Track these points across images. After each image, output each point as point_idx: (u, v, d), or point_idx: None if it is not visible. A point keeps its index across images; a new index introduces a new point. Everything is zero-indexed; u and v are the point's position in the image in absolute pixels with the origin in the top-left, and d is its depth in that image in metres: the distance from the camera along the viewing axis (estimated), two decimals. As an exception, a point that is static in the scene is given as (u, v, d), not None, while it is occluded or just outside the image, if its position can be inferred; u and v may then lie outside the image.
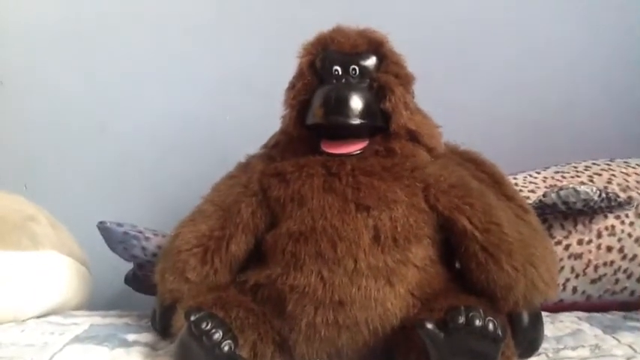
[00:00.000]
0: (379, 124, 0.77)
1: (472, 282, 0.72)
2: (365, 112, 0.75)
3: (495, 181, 0.80)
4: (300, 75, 0.82)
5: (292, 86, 0.82)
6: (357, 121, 0.75)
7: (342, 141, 0.77)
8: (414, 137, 0.79)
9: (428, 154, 0.79)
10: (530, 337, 0.74)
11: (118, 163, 1.32)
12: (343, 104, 0.75)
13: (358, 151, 0.77)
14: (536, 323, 0.75)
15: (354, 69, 0.79)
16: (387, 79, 0.79)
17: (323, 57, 0.81)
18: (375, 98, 0.77)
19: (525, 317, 0.73)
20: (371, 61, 0.80)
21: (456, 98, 1.19)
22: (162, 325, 0.81)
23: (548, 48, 1.26)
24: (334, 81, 0.78)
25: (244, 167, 0.85)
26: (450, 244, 0.75)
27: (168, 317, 0.75)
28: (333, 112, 0.75)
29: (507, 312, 0.71)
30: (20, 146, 1.33)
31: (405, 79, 0.81)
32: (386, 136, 0.78)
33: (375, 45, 0.81)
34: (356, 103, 0.75)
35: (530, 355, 0.74)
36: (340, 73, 0.79)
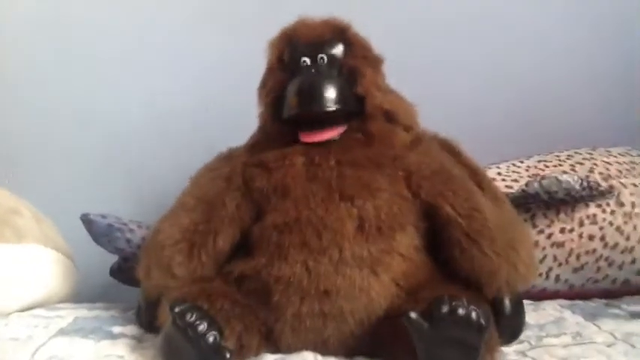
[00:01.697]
0: (354, 108, 0.78)
1: (456, 270, 0.73)
2: (339, 98, 0.76)
3: (472, 172, 0.81)
4: (270, 71, 0.82)
5: (264, 84, 0.83)
6: (332, 108, 0.75)
7: (320, 130, 0.77)
8: (390, 117, 0.79)
9: (406, 133, 0.80)
10: (512, 325, 0.75)
11: (102, 156, 1.31)
12: (316, 93, 0.75)
13: (336, 137, 0.77)
14: (519, 310, 0.76)
15: (321, 57, 0.79)
16: (356, 62, 0.79)
17: (290, 50, 0.81)
18: (347, 83, 0.78)
19: (508, 304, 0.74)
20: (338, 49, 0.80)
21: (440, 88, 1.19)
22: (148, 321, 0.80)
23: (532, 39, 1.27)
24: (304, 72, 0.79)
25: (226, 159, 0.85)
26: (434, 233, 0.75)
27: (154, 312, 0.75)
28: (307, 101, 0.76)
29: (491, 298, 0.72)
30: (2, 139, 1.32)
31: (374, 62, 0.82)
32: (362, 120, 0.78)
33: (340, 32, 0.82)
34: (328, 90, 0.75)
35: (512, 342, 0.75)
36: (309, 63, 0.79)
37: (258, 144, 0.83)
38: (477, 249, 0.71)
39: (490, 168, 1.02)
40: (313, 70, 0.79)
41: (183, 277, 0.76)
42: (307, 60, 0.79)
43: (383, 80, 0.82)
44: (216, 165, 0.85)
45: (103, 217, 1.00)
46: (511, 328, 0.75)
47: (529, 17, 1.27)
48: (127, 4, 1.30)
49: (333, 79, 0.77)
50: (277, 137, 0.80)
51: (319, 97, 0.75)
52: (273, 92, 0.81)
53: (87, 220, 0.99)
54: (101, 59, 1.30)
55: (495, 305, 0.72)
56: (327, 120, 0.77)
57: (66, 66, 1.30)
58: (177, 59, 1.29)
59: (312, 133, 0.77)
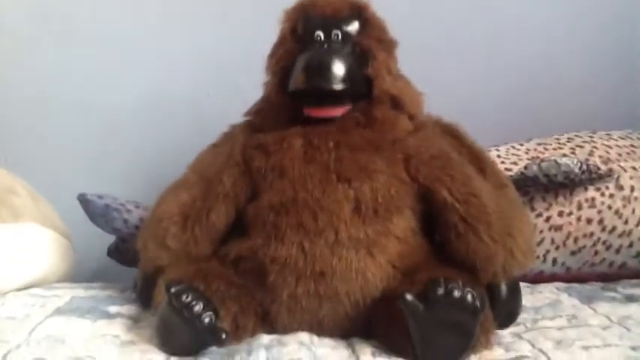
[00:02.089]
0: (361, 89, 0.77)
1: (452, 253, 0.73)
2: (347, 78, 0.74)
3: (474, 156, 0.81)
4: (281, 41, 0.81)
5: (274, 53, 0.81)
6: (339, 86, 0.74)
7: (324, 106, 0.77)
8: (396, 103, 0.78)
9: (409, 122, 0.79)
10: (508, 308, 0.75)
11: (100, 136, 1.30)
12: (325, 69, 0.74)
13: (340, 115, 0.76)
14: (515, 294, 0.76)
15: (336, 34, 0.78)
16: (370, 43, 0.78)
17: (304, 22, 0.79)
18: (358, 64, 0.77)
19: (504, 288, 0.74)
20: (353, 26, 0.79)
21: (441, 71, 1.18)
22: (144, 295, 0.81)
23: (532, 22, 1.25)
24: (316, 46, 0.77)
25: (228, 137, 0.85)
26: (431, 216, 0.75)
27: (150, 286, 0.75)
28: (315, 77, 0.74)
29: (487, 283, 0.72)
30: (0, 119, 1.31)
31: (388, 45, 0.80)
32: (368, 103, 0.77)
33: (358, 9, 0.80)
34: (338, 68, 0.74)
35: (508, 326, 0.75)
36: (322, 38, 0.78)
37: (259, 115, 0.82)
38: (473, 234, 0.71)
39: (490, 150, 1.01)
40: (326, 46, 0.77)
41: (176, 249, 0.76)
42: (321, 34, 0.78)
43: (395, 65, 0.81)
44: (219, 142, 0.85)
45: (100, 197, 0.99)
46: (507, 312, 0.75)
47: (531, 1, 1.25)
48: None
49: (344, 57, 0.75)
50: (280, 109, 0.79)
51: (327, 74, 0.73)
52: (282, 62, 0.79)
53: (84, 200, 0.99)
54: (100, 47, 1.28)
55: (491, 290, 0.72)
56: (332, 97, 0.76)
57: (65, 52, 1.29)
58: (175, 46, 1.28)
59: (316, 108, 0.77)
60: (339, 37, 0.78)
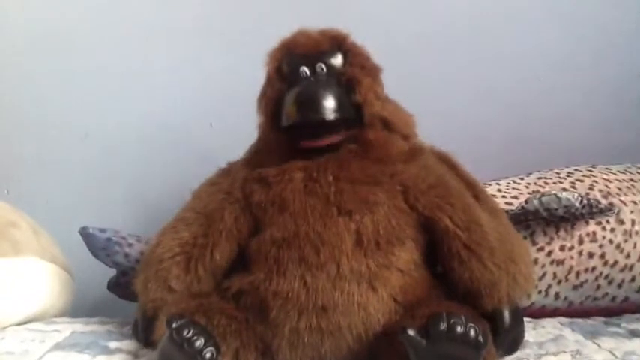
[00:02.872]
0: (352, 117, 0.77)
1: (455, 282, 0.73)
2: (337, 107, 0.75)
3: (468, 184, 0.81)
4: (269, 82, 0.82)
5: (263, 94, 0.83)
6: (331, 116, 0.75)
7: (318, 138, 0.77)
8: (388, 126, 0.79)
9: (403, 142, 0.80)
10: (512, 335, 0.75)
11: (102, 169, 1.31)
12: (315, 101, 0.75)
13: (335, 142, 0.77)
14: (518, 321, 0.76)
15: (320, 67, 0.79)
16: (354, 71, 0.79)
17: (288, 60, 0.81)
18: (345, 92, 0.78)
19: (507, 315, 0.74)
20: (336, 58, 0.80)
21: (440, 103, 1.19)
22: (145, 335, 0.80)
23: (532, 54, 1.27)
24: (303, 81, 0.79)
25: (226, 173, 0.85)
26: (433, 246, 0.75)
27: (151, 327, 0.75)
28: (306, 110, 0.75)
29: (491, 309, 0.72)
30: (2, 151, 1.32)
31: (372, 71, 0.82)
32: (360, 128, 0.78)
33: (338, 41, 0.82)
34: (327, 98, 0.75)
35: (512, 353, 0.75)
36: (308, 73, 0.79)
37: (257, 155, 0.83)
38: (477, 261, 0.71)
39: (490, 185, 1.02)
40: (312, 80, 0.79)
41: (180, 290, 0.76)
42: (306, 70, 0.79)
43: (381, 89, 0.82)
44: (217, 179, 0.85)
45: (102, 230, 0.99)
46: (511, 339, 0.75)
47: (529, 31, 1.27)
48: (128, 18, 1.30)
49: (332, 88, 0.77)
50: (276, 147, 0.80)
51: (318, 105, 0.75)
52: (272, 102, 0.80)
53: (85, 234, 0.99)
54: (102, 74, 1.30)
55: (495, 317, 0.72)
56: (325, 128, 0.77)
57: (66, 79, 1.30)
58: (178, 73, 1.29)
59: (311, 140, 0.78)
60: (324, 69, 0.79)
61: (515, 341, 0.76)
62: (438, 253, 0.75)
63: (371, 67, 0.82)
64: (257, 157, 0.83)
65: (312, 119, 0.75)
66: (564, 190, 0.99)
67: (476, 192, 0.81)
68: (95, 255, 1.00)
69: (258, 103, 0.83)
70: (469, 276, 0.71)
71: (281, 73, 0.81)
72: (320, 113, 0.75)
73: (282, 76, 0.81)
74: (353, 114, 0.78)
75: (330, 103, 0.75)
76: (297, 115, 0.75)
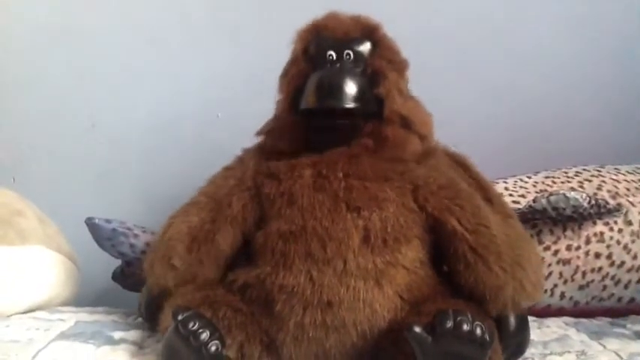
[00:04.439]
0: (372, 109, 0.76)
1: (461, 284, 0.72)
2: (358, 97, 0.74)
3: (481, 187, 0.81)
4: (294, 61, 0.81)
5: (286, 73, 0.82)
6: (350, 105, 0.74)
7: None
8: (406, 124, 0.78)
9: (419, 142, 0.79)
10: (517, 341, 0.75)
11: (108, 159, 1.31)
12: (337, 88, 0.74)
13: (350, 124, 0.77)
14: (523, 326, 0.75)
15: (348, 54, 0.78)
16: (381, 64, 0.78)
17: (317, 42, 0.80)
18: (369, 84, 0.77)
19: (512, 320, 0.73)
20: (365, 47, 0.79)
21: (448, 101, 1.18)
22: (147, 313, 0.81)
23: (541, 53, 1.26)
24: (328, 66, 0.78)
25: (240, 160, 0.85)
26: (439, 247, 0.75)
27: (155, 307, 0.75)
28: (326, 96, 0.74)
29: (496, 314, 0.71)
30: (9, 139, 1.32)
31: (399, 65, 0.80)
32: (378, 122, 0.77)
33: (369, 30, 0.81)
34: (350, 87, 0.74)
35: (516, 358, 0.75)
36: (334, 58, 0.78)
37: (271, 135, 0.82)
38: (483, 264, 0.70)
39: (497, 183, 1.01)
40: (338, 65, 0.78)
41: (181, 269, 0.76)
42: (333, 54, 0.78)
43: (405, 85, 0.81)
44: (232, 165, 0.85)
45: (108, 221, 0.99)
46: (516, 344, 0.74)
47: (538, 30, 1.26)
48: (135, 11, 1.30)
49: (356, 77, 0.75)
50: (291, 128, 0.79)
51: (339, 92, 0.73)
52: (294, 82, 0.79)
53: (92, 224, 0.99)
54: (109, 65, 1.30)
55: (500, 321, 0.72)
56: (343, 116, 0.76)
57: (74, 72, 1.31)
58: (185, 64, 1.29)
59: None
60: (351, 57, 0.78)
61: (520, 346, 0.75)
62: (445, 254, 0.74)
63: (399, 62, 0.81)
64: (270, 140, 0.82)
65: (331, 106, 0.74)
66: (572, 189, 0.98)
67: (489, 195, 0.80)
68: (100, 245, 1.00)
69: (280, 80, 0.82)
70: (474, 279, 0.71)
71: (308, 54, 0.80)
72: (340, 100, 0.73)
73: (309, 58, 0.80)
74: (373, 107, 0.76)
75: (351, 91, 0.74)
76: (317, 100, 0.74)
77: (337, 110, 0.75)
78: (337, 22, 0.81)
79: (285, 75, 0.82)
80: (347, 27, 0.80)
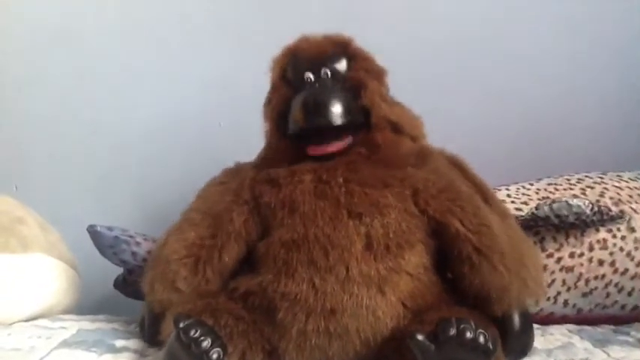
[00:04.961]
0: (360, 121, 0.77)
1: (465, 287, 0.72)
2: (344, 111, 0.75)
3: (478, 188, 0.81)
4: (274, 88, 0.83)
5: (269, 101, 0.83)
6: (338, 121, 0.75)
7: (326, 143, 0.77)
8: (396, 128, 0.79)
9: (412, 143, 0.80)
10: (521, 341, 0.75)
11: (110, 167, 1.31)
12: (322, 107, 0.75)
13: (343, 147, 0.77)
14: (527, 327, 0.76)
15: (325, 72, 0.79)
16: (359, 75, 0.79)
17: (293, 66, 0.81)
18: (352, 96, 0.78)
19: (517, 320, 0.74)
20: (340, 63, 0.80)
21: (450, 108, 1.19)
22: (150, 334, 0.80)
23: (542, 59, 1.26)
24: (308, 87, 0.79)
25: (233, 173, 0.85)
26: (442, 251, 0.75)
27: (157, 326, 0.74)
28: (313, 116, 0.75)
29: (501, 314, 0.72)
30: (11, 147, 1.32)
31: (377, 73, 0.82)
32: (368, 132, 0.78)
33: (342, 46, 0.82)
34: (334, 104, 0.75)
35: (521, 357, 0.75)
36: (312, 79, 0.79)
37: (266, 161, 0.83)
38: (488, 264, 0.70)
39: (499, 190, 1.01)
40: (317, 85, 0.79)
41: (187, 291, 0.76)
42: (310, 75, 0.79)
43: (387, 92, 0.82)
44: (224, 179, 0.85)
45: (110, 229, 0.99)
46: (520, 344, 0.75)
47: (540, 37, 1.26)
48: (137, 16, 1.31)
49: (338, 93, 0.77)
50: (284, 154, 0.80)
51: (325, 111, 0.75)
52: (277, 108, 0.81)
53: (93, 232, 0.98)
54: (111, 70, 1.30)
55: (505, 321, 0.72)
56: (333, 133, 0.77)
57: (75, 76, 1.31)
58: (187, 72, 1.30)
59: (319, 146, 0.77)
60: (329, 74, 0.79)
61: (524, 347, 0.76)
62: (448, 258, 0.74)
63: (376, 70, 0.82)
64: (265, 162, 0.83)
65: (319, 124, 0.75)
66: (575, 196, 0.98)
67: (486, 196, 0.80)
68: (102, 253, 1.00)
69: (264, 109, 0.83)
70: (480, 280, 0.71)
71: (286, 79, 0.81)
72: (327, 118, 0.75)
73: (287, 82, 0.81)
74: (360, 118, 0.78)
75: (337, 108, 0.75)
76: (305, 121, 0.75)
77: (326, 128, 0.76)
78: (309, 43, 0.83)
79: (269, 103, 0.83)
80: (320, 46, 0.82)
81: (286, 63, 0.82)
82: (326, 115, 0.75)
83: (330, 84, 0.79)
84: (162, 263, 0.77)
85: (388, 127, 0.79)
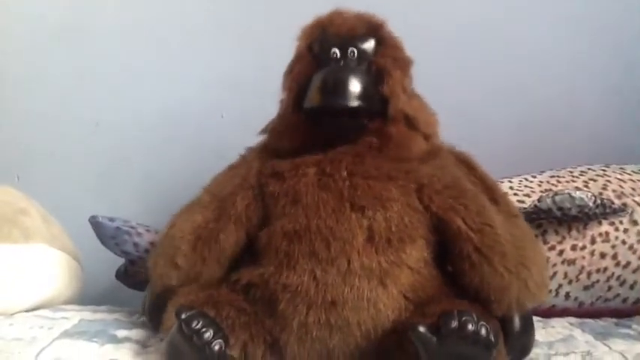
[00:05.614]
0: (377, 107, 0.76)
1: (465, 285, 0.72)
2: (363, 95, 0.74)
3: (487, 186, 0.80)
4: (298, 58, 0.81)
5: (290, 70, 0.81)
6: (355, 104, 0.73)
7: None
8: (410, 124, 0.77)
9: (424, 141, 0.78)
10: (522, 342, 0.74)
11: (112, 159, 1.31)
12: (341, 86, 0.73)
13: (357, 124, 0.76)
14: (528, 327, 0.75)
15: (352, 51, 0.77)
16: (386, 62, 0.77)
17: (321, 40, 0.79)
18: (374, 82, 0.76)
19: (517, 321, 0.73)
20: (369, 44, 0.78)
21: (453, 101, 1.18)
22: (153, 316, 0.80)
23: (546, 52, 1.25)
24: (332, 64, 0.77)
25: (244, 159, 0.85)
26: (444, 247, 0.75)
27: (160, 307, 0.75)
28: (331, 94, 0.74)
29: (500, 315, 0.71)
30: (13, 138, 1.32)
31: (404, 63, 0.80)
32: (383, 121, 0.76)
33: (374, 28, 0.80)
34: (354, 85, 0.73)
35: (521, 358, 0.74)
36: (338, 55, 0.77)
37: (274, 134, 0.82)
38: (488, 264, 0.70)
39: (502, 182, 1.01)
40: (342, 63, 0.77)
41: (185, 268, 0.76)
42: (337, 52, 0.77)
43: (410, 83, 0.80)
44: (236, 164, 0.85)
45: (111, 219, 0.99)
46: (520, 345, 0.74)
47: (543, 29, 1.26)
48: (139, 12, 1.30)
49: (360, 75, 0.75)
50: (295, 128, 0.78)
51: (344, 91, 0.73)
52: (298, 79, 0.79)
53: (95, 222, 0.99)
54: (113, 65, 1.30)
55: (504, 323, 0.71)
56: (348, 115, 0.75)
57: (77, 71, 1.31)
58: (189, 64, 1.29)
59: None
60: (355, 54, 0.77)
61: (524, 347, 0.75)
62: (449, 255, 0.74)
63: (403, 60, 0.80)
64: (273, 138, 0.82)
65: (335, 104, 0.74)
66: (577, 189, 0.98)
67: (495, 195, 0.79)
68: (104, 244, 1.00)
69: (284, 78, 0.81)
70: (479, 280, 0.70)
71: (312, 51, 0.79)
72: (344, 99, 0.73)
73: (313, 55, 0.79)
74: (377, 105, 0.76)
75: (356, 89, 0.73)
76: (321, 99, 0.74)
77: (342, 109, 0.74)
78: (341, 19, 0.80)
79: (289, 72, 0.81)
80: (351, 24, 0.79)
81: (314, 35, 0.80)
82: (344, 96, 0.73)
83: (354, 64, 0.77)
84: (168, 240, 0.78)
85: (403, 120, 0.77)
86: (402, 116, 0.77)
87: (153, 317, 0.81)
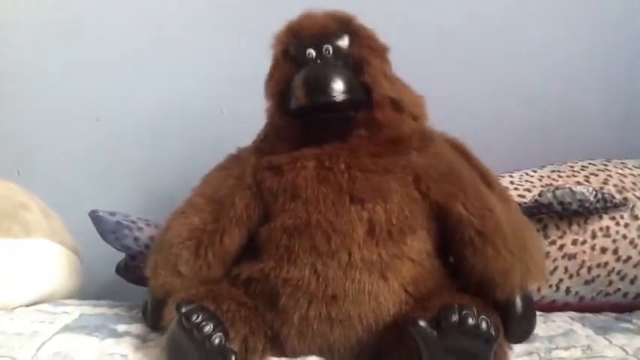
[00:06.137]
0: (361, 97, 0.76)
1: (468, 273, 0.72)
2: (346, 88, 0.75)
3: (480, 172, 0.81)
4: (276, 65, 0.82)
5: (270, 77, 0.82)
6: (339, 97, 0.74)
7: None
8: (397, 106, 0.78)
9: (414, 122, 0.79)
10: (524, 324, 0.75)
11: (112, 152, 1.31)
12: (323, 83, 0.74)
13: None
14: (530, 310, 0.76)
15: (327, 49, 0.78)
16: (362, 52, 0.78)
17: (295, 43, 0.80)
18: (353, 73, 0.77)
19: (520, 304, 0.74)
20: (343, 40, 0.79)
21: (455, 96, 1.18)
22: (153, 319, 0.80)
23: (547, 48, 1.25)
24: (310, 64, 0.78)
25: (236, 159, 0.85)
26: (445, 235, 0.75)
27: (160, 311, 0.75)
28: (314, 92, 0.75)
29: (504, 298, 0.72)
30: (14, 132, 1.32)
31: (380, 51, 0.81)
32: (369, 109, 0.77)
33: (345, 23, 0.81)
34: (335, 80, 0.74)
35: (522, 340, 0.75)
36: (314, 55, 0.78)
37: (267, 140, 0.82)
38: (491, 247, 0.71)
39: (503, 177, 1.01)
40: (319, 62, 0.78)
41: (189, 275, 0.76)
42: (312, 52, 0.78)
43: (389, 69, 0.81)
44: (227, 164, 0.85)
45: (112, 214, 0.99)
46: (522, 328, 0.75)
47: (544, 26, 1.25)
48: (138, 6, 1.30)
49: (340, 70, 0.76)
50: (286, 132, 0.79)
51: (326, 87, 0.74)
52: (279, 85, 0.80)
53: (96, 217, 0.98)
54: (114, 60, 1.30)
55: (507, 306, 0.72)
56: (334, 110, 0.76)
57: (77, 66, 1.31)
58: (190, 60, 1.29)
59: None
60: (330, 51, 0.78)
61: (526, 330, 0.76)
62: (451, 242, 0.74)
63: (378, 47, 0.81)
64: (267, 143, 0.82)
65: (321, 101, 0.75)
66: (578, 183, 0.98)
67: (487, 180, 0.80)
68: (104, 238, 1.00)
69: (266, 86, 0.82)
70: (483, 264, 0.71)
71: (288, 55, 0.80)
72: (329, 95, 0.74)
73: (289, 59, 0.80)
74: (362, 95, 0.77)
75: (338, 84, 0.74)
76: (307, 97, 0.75)
77: (328, 105, 0.75)
78: (312, 20, 0.81)
79: (270, 80, 0.82)
80: (322, 23, 0.80)
81: (288, 39, 0.81)
82: (327, 92, 0.74)
83: (331, 61, 0.78)
84: (166, 247, 0.78)
85: (390, 104, 0.78)
86: (388, 101, 0.77)
87: (154, 320, 0.80)
